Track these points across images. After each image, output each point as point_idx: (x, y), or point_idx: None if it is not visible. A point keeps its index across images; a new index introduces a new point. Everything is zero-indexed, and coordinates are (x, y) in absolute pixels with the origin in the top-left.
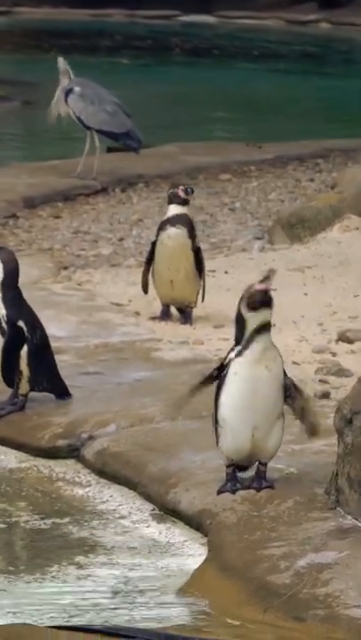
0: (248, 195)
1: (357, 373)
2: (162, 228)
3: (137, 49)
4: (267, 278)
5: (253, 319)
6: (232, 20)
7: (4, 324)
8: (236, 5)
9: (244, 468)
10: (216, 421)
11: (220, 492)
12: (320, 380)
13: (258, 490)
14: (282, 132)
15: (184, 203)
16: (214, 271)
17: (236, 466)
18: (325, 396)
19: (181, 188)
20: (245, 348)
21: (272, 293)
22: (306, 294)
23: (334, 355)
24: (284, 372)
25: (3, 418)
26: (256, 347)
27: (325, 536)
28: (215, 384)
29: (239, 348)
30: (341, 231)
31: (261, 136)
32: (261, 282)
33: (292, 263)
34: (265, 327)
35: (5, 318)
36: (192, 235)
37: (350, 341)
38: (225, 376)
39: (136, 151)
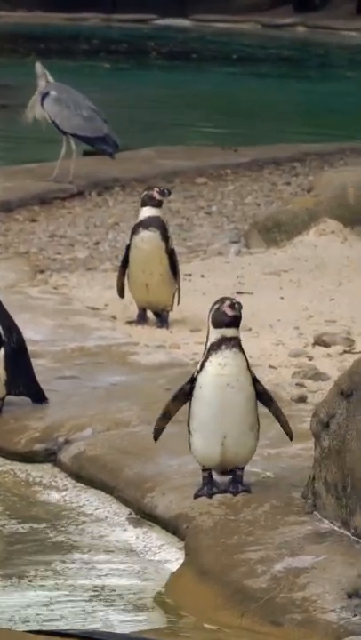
0: (224, 198)
1: (334, 377)
2: (135, 231)
3: (113, 52)
4: (238, 305)
5: (213, 334)
6: (208, 24)
7: None
8: (212, 9)
9: (224, 473)
10: (188, 430)
11: (196, 495)
12: (297, 384)
13: (234, 494)
14: (258, 136)
15: (158, 205)
16: (190, 275)
17: (213, 470)
18: (302, 399)
19: (157, 189)
20: (205, 361)
21: (240, 314)
22: (282, 298)
23: (311, 358)
24: (255, 380)
25: None
26: (214, 361)
27: (302, 540)
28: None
29: (201, 360)
30: (318, 235)
31: (238, 140)
32: (232, 306)
33: (268, 267)
34: (227, 341)
35: None
36: (165, 237)
37: (327, 345)
38: (193, 388)
39: (111, 156)
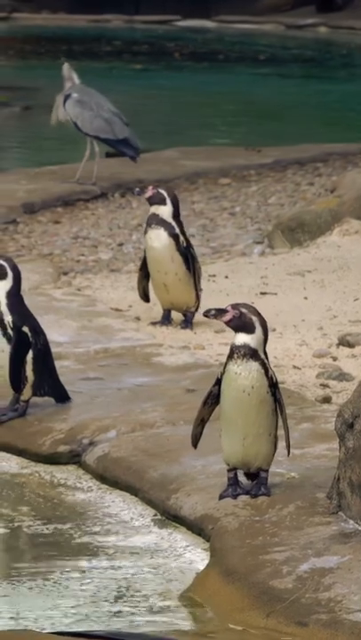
0: (248, 199)
1: (358, 377)
2: (144, 232)
3: (136, 54)
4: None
5: (235, 338)
6: (231, 25)
7: (9, 331)
8: (235, 10)
9: (249, 476)
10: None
11: (221, 496)
12: (321, 385)
13: (253, 497)
14: (281, 137)
15: (159, 202)
16: (215, 275)
17: (244, 473)
18: (326, 400)
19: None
20: (226, 365)
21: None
22: (306, 298)
23: (335, 359)
24: (275, 386)
25: (4, 424)
26: (231, 368)
27: (327, 540)
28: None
29: (221, 369)
30: (341, 235)
31: (261, 140)
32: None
33: (292, 267)
34: (243, 348)
35: (11, 324)
36: (173, 233)
37: (351, 345)
38: (220, 390)
39: (133, 159)
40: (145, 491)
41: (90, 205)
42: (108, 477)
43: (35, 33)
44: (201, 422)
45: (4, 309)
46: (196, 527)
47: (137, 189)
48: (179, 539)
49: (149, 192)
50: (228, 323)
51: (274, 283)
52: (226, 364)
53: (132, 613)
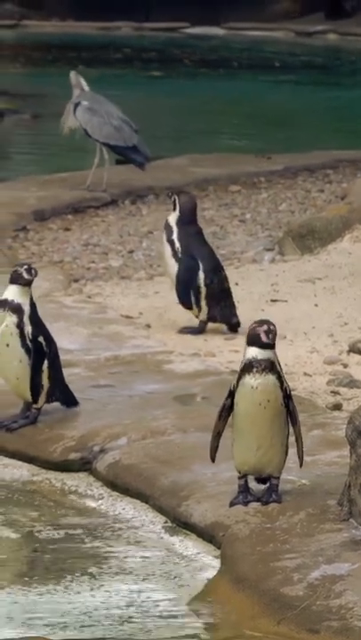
0: (258, 206)
1: None
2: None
3: (146, 61)
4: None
5: (248, 352)
6: (240, 32)
7: (28, 342)
8: (244, 17)
9: (260, 480)
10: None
11: (232, 504)
12: (332, 392)
13: (264, 504)
14: (291, 143)
15: (173, 208)
16: None
17: (255, 479)
18: (337, 407)
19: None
20: (240, 379)
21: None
22: (317, 305)
23: (346, 366)
24: (289, 397)
25: (15, 431)
26: (247, 382)
27: (338, 548)
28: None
29: (237, 376)
30: (352, 242)
31: (271, 147)
32: (268, 333)
33: (302, 274)
34: (259, 363)
35: (30, 336)
36: (169, 239)
37: None
38: (233, 402)
39: (142, 167)
40: (156, 498)
41: (100, 212)
42: (118, 484)
43: (44, 40)
44: (217, 435)
45: (26, 320)
46: (207, 534)
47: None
48: (190, 546)
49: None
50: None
51: (284, 290)
52: (241, 376)
53: (143, 620)
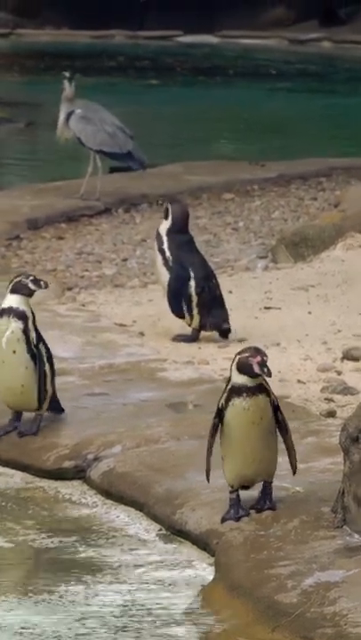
0: (251, 214)
1: None
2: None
3: (140, 69)
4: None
5: (237, 378)
6: (234, 40)
7: (33, 348)
8: (238, 25)
9: (246, 487)
10: (222, 455)
11: (224, 519)
12: (325, 399)
13: (258, 511)
14: (285, 151)
15: (165, 217)
16: None
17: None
18: (331, 414)
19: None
20: (229, 400)
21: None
22: (310, 313)
23: (339, 373)
24: (278, 408)
25: (2, 439)
26: (238, 405)
27: (332, 554)
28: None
29: (225, 395)
30: (345, 249)
31: (265, 155)
32: (261, 365)
33: (295, 282)
34: (249, 389)
35: (35, 342)
36: (160, 248)
37: (355, 359)
38: (223, 421)
39: (142, 167)
40: (150, 506)
41: (94, 221)
42: (112, 493)
43: (38, 49)
44: (212, 454)
45: (31, 326)
46: (201, 542)
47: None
48: (184, 553)
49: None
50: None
51: (278, 297)
52: (230, 397)
53: (138, 628)
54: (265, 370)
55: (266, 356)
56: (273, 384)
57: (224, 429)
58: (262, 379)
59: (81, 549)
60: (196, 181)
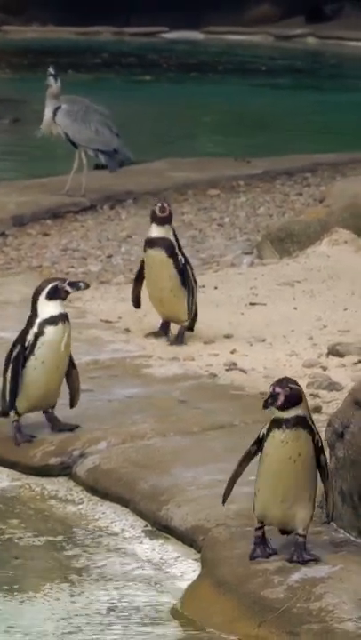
0: (237, 210)
1: (348, 387)
2: (145, 248)
3: (126, 66)
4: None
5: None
6: (220, 36)
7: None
8: (224, 21)
9: (285, 532)
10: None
11: (252, 558)
12: (311, 395)
13: (301, 563)
14: (270, 147)
15: (162, 222)
16: (203, 286)
17: (278, 530)
18: (317, 410)
19: (159, 206)
20: (270, 431)
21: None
22: (295, 308)
23: (325, 369)
24: (321, 450)
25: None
26: (278, 437)
27: (319, 550)
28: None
29: (267, 426)
30: (330, 245)
31: (250, 151)
32: (268, 396)
33: (281, 278)
34: (288, 421)
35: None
36: (172, 253)
37: (341, 355)
38: (261, 452)
39: (128, 163)
40: (136, 502)
41: (79, 217)
42: (98, 489)
43: (23, 46)
44: (235, 479)
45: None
46: (187, 538)
47: (165, 203)
48: (170, 550)
49: (168, 212)
50: (283, 405)
51: (263, 293)
52: (271, 428)
53: (124, 625)
54: (268, 401)
55: (284, 387)
56: (258, 380)
57: (262, 459)
58: (305, 412)
59: (67, 547)
60: (182, 178)
